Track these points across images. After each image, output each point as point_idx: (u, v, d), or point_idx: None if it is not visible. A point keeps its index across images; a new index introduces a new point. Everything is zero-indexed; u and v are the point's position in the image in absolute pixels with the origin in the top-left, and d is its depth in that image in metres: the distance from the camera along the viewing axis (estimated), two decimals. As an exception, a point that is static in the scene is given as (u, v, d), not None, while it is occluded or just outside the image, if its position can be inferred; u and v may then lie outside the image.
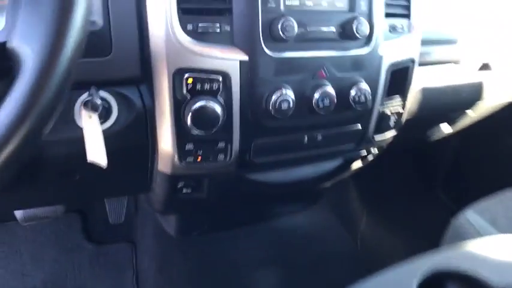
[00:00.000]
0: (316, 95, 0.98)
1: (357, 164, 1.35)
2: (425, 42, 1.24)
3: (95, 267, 1.92)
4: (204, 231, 1.67)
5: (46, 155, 1.02)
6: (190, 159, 1.00)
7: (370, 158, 1.35)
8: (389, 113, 1.18)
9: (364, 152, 1.27)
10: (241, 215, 1.59)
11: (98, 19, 0.88)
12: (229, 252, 1.65)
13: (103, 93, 0.97)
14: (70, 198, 1.36)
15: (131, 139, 1.04)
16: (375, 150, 1.32)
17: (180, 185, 1.13)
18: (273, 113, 0.95)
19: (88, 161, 0.93)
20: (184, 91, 0.91)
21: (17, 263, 1.88)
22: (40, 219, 1.86)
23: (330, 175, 1.28)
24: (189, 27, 0.89)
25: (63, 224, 2.01)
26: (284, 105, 0.94)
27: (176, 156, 0.99)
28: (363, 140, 1.19)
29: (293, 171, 1.18)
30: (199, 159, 1.01)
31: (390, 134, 1.25)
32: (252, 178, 1.14)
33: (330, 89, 0.99)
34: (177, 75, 0.90)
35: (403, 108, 1.21)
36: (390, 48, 1.09)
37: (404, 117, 1.24)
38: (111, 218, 1.91)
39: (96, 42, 0.88)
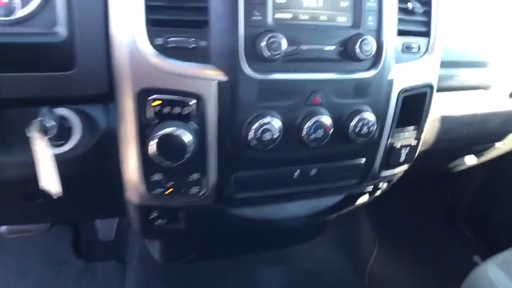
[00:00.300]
0: (308, 124, 0.82)
1: (363, 199, 1.18)
2: (448, 64, 1.07)
3: (81, 285, 1.81)
4: (192, 259, 1.53)
5: (2, 177, 0.91)
6: (159, 190, 0.87)
7: (378, 192, 1.18)
8: (399, 146, 1.01)
9: (370, 188, 1.10)
10: (232, 245, 1.45)
11: (62, 29, 0.76)
12: (216, 286, 1.50)
13: (64, 111, 0.85)
14: (38, 219, 1.25)
15: (95, 163, 0.91)
16: (383, 185, 1.14)
17: (152, 215, 1.00)
18: (253, 143, 0.80)
19: (40, 187, 0.81)
20: (151, 114, 0.78)
21: (1, 275, 1.80)
22: (25, 232, 1.78)
23: (329, 211, 1.11)
24: (158, 41, 0.75)
25: (53, 236, 1.92)
26: (266, 136, 0.79)
27: (143, 187, 0.86)
28: (368, 175, 1.02)
29: (285, 207, 1.03)
30: (169, 191, 0.87)
31: (400, 169, 1.08)
32: (236, 214, 1.00)
33: (325, 118, 0.83)
34: (142, 96, 0.77)
35: (418, 140, 1.04)
36: (403, 71, 0.92)
37: (417, 151, 1.06)
38: (101, 234, 1.81)
39: (58, 54, 0.77)
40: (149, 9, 0.74)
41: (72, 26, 0.76)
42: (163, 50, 0.76)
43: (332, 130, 0.84)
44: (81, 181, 0.95)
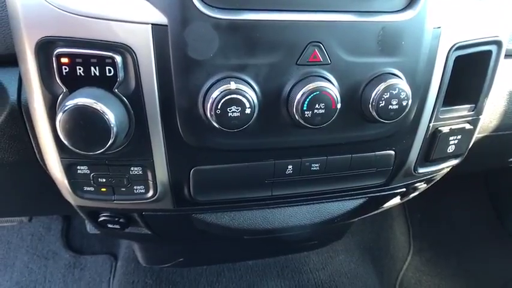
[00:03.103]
0: (299, 95, 0.52)
1: (392, 202, 0.87)
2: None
3: (68, 281, 1.63)
4: (179, 264, 1.28)
5: None
6: (88, 188, 0.61)
7: (414, 194, 0.87)
8: (447, 132, 0.69)
9: (401, 189, 0.79)
10: (226, 250, 1.17)
11: None
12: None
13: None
14: None
15: (9, 149, 0.66)
16: (421, 186, 0.83)
17: (101, 218, 0.75)
18: (214, 122, 0.51)
19: None
20: (58, 80, 0.51)
21: (-17, 267, 1.65)
22: (3, 223, 1.61)
23: (342, 219, 0.81)
24: None
25: (43, 226, 1.75)
26: (233, 111, 0.50)
27: (68, 185, 0.61)
28: (399, 173, 0.71)
29: (274, 213, 0.74)
30: (103, 189, 0.61)
31: (447, 164, 0.76)
32: (208, 220, 0.72)
33: (328, 86, 0.53)
34: (43, 51, 0.51)
35: (474, 125, 0.71)
36: (456, 16, 0.60)
37: (472, 139, 0.74)
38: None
39: None
40: None
41: None
42: None
43: (340, 105, 0.54)
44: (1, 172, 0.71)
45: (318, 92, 0.52)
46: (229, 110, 0.50)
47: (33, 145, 0.64)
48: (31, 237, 1.74)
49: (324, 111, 0.53)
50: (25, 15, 0.50)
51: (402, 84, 0.55)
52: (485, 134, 0.82)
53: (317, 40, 0.53)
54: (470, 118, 0.70)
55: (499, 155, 1.01)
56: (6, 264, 1.67)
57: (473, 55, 0.64)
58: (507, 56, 0.69)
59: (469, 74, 0.66)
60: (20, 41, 0.52)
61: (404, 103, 0.56)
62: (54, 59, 0.50)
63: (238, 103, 0.50)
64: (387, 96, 0.55)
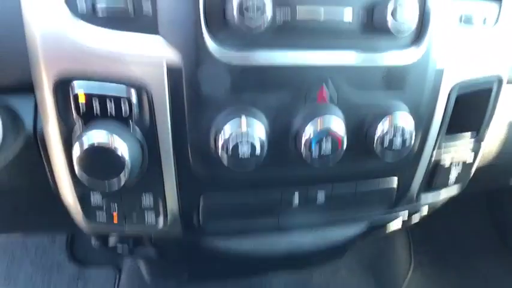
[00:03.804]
0: (308, 133, 0.55)
1: (394, 226, 0.88)
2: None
3: (71, 294, 1.64)
4: (184, 279, 1.30)
5: None
6: (102, 217, 0.63)
7: (416, 218, 0.89)
8: (449, 162, 0.71)
9: (404, 214, 0.81)
10: (230, 267, 1.20)
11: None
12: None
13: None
14: None
15: (26, 176, 0.69)
16: (423, 210, 0.85)
17: (111, 242, 0.77)
18: (226, 163, 0.53)
19: None
20: (74, 113, 0.53)
21: (-12, 278, 1.66)
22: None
23: (345, 244, 0.83)
24: (81, 5, 0.50)
25: (48, 237, 1.76)
26: (243, 151, 0.52)
27: (81, 212, 0.62)
28: (401, 200, 0.73)
29: (282, 239, 0.76)
30: (115, 217, 0.63)
31: (449, 192, 0.78)
32: (215, 246, 0.74)
33: (335, 124, 0.55)
34: (62, 87, 0.53)
35: (475, 154, 0.73)
36: (459, 55, 0.62)
37: (474, 167, 0.76)
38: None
39: None
40: None
41: None
42: (89, 18, 0.51)
43: (346, 142, 0.56)
44: (14, 196, 0.73)
45: (325, 133, 0.54)
46: (240, 152, 0.52)
47: (48, 172, 0.66)
48: (35, 249, 1.75)
49: (330, 152, 0.55)
50: (44, 51, 0.52)
51: (407, 123, 0.57)
52: (485, 162, 0.84)
53: (325, 79, 0.55)
54: (472, 147, 0.72)
55: (499, 179, 1.03)
56: (10, 276, 1.68)
57: (475, 92, 0.66)
58: (508, 82, 0.72)
59: (470, 107, 0.68)
60: (38, 74, 0.54)
61: (408, 142, 0.58)
62: (71, 95, 0.52)
63: (249, 146, 0.52)
64: (392, 132, 0.57)
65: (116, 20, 0.51)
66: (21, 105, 0.64)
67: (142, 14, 0.50)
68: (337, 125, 0.55)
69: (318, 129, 0.54)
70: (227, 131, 0.52)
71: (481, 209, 1.72)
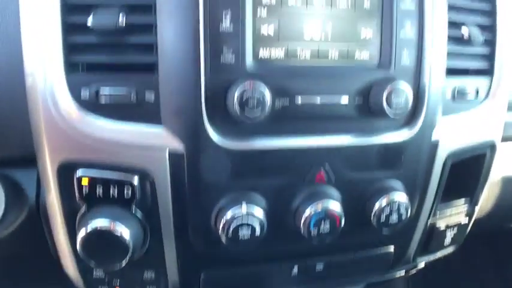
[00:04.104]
0: (307, 214, 0.56)
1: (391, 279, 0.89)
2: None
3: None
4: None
5: None
6: None
7: (413, 271, 0.89)
8: (444, 227, 0.72)
9: (400, 273, 0.81)
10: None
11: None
12: None
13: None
14: None
15: (29, 245, 0.69)
16: (420, 265, 0.85)
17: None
18: (226, 243, 0.54)
19: None
20: (77, 195, 0.54)
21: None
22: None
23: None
24: (84, 93, 0.52)
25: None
26: (243, 234, 0.53)
27: (83, 285, 0.63)
28: (398, 263, 0.74)
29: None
30: (118, 290, 0.63)
31: (445, 252, 0.79)
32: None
33: (333, 205, 0.56)
34: (65, 172, 0.54)
35: (470, 216, 0.74)
36: (452, 127, 0.64)
37: (468, 228, 0.77)
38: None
39: None
40: (70, 48, 0.51)
41: None
42: (92, 107, 0.52)
43: (344, 220, 0.57)
44: (16, 263, 0.73)
45: (324, 214, 0.55)
46: (240, 235, 0.53)
47: (49, 243, 0.66)
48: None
49: (329, 230, 0.56)
50: (48, 138, 0.53)
51: (402, 198, 0.59)
52: (479, 216, 0.85)
53: (322, 162, 0.56)
54: (466, 211, 0.74)
55: (496, 225, 1.04)
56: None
57: (469, 159, 0.68)
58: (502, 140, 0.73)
59: (464, 173, 0.70)
60: (41, 157, 0.55)
61: (404, 216, 0.59)
62: (75, 177, 0.53)
63: (249, 228, 0.53)
64: (388, 209, 0.58)
65: (119, 108, 0.52)
66: (24, 178, 0.64)
67: (144, 102, 0.52)
68: (335, 206, 0.56)
69: (317, 211, 0.55)
70: (228, 215, 0.53)
71: (482, 248, 1.71)
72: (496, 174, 0.82)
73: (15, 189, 0.65)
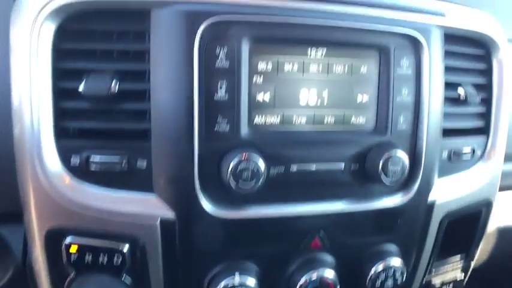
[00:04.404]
0: (302, 282, 0.55)
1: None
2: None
3: None
4: None
5: None
6: None
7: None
8: (439, 284, 0.71)
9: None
10: None
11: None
12: None
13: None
14: None
15: None
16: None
17: None
18: None
19: None
20: (66, 263, 0.52)
21: None
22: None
23: None
24: (75, 159, 0.50)
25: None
26: (237, 306, 0.52)
27: None
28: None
29: None
30: None
31: (440, 306, 0.78)
32: None
33: (328, 274, 0.55)
34: (53, 238, 0.52)
35: (466, 272, 0.74)
36: (449, 188, 0.63)
37: (464, 283, 0.76)
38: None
39: None
40: (61, 113, 0.50)
41: None
42: (82, 173, 0.50)
43: (339, 287, 0.56)
44: None
45: (318, 282, 0.54)
46: None
47: None
48: None
49: None
50: (36, 205, 0.51)
51: (398, 263, 0.58)
52: (481, 260, 0.85)
53: (318, 229, 0.55)
54: (462, 267, 0.73)
55: (496, 269, 1.03)
56: None
57: (465, 217, 0.67)
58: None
59: (460, 229, 0.69)
60: (29, 222, 0.53)
61: (399, 281, 0.58)
62: (63, 246, 0.52)
63: None
64: (384, 274, 0.57)
65: (110, 175, 0.51)
66: (11, 234, 0.63)
67: (136, 169, 0.51)
68: (330, 273, 0.55)
69: (312, 279, 0.54)
70: (221, 286, 0.52)
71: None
72: (491, 225, 0.81)
73: (1, 245, 0.63)
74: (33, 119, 0.50)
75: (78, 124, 0.50)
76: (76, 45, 0.50)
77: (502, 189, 0.75)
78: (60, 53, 0.50)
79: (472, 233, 0.70)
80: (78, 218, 0.51)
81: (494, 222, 0.82)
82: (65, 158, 0.50)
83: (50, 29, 0.49)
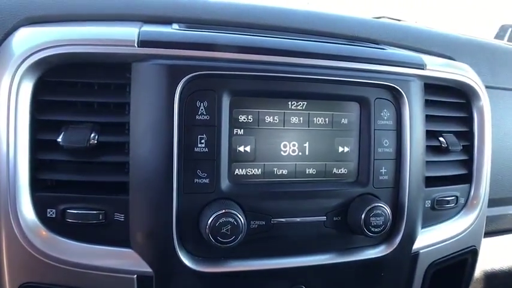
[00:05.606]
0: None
1: None
2: (496, 202, 0.77)
3: None
4: None
5: None
6: None
7: None
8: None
9: None
10: None
11: None
12: None
13: None
14: None
15: None
16: None
17: None
18: None
19: None
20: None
21: None
22: None
23: None
24: (51, 212, 0.49)
25: None
26: None
27: None
28: None
29: None
30: None
31: None
32: None
33: None
34: None
35: (452, 320, 0.72)
36: (433, 238, 0.63)
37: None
38: None
39: None
40: (38, 164, 0.49)
41: None
42: (58, 227, 0.49)
43: None
44: None
45: None
46: None
47: None
48: None
49: None
50: (9, 260, 0.50)
51: None
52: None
53: (300, 282, 0.54)
54: (450, 315, 0.71)
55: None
56: None
57: (450, 266, 0.66)
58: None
59: (446, 278, 0.68)
60: (0, 280, 0.51)
61: None
62: None
63: None
64: None
65: (86, 229, 0.49)
66: None
67: (113, 223, 0.50)
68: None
69: None
70: None
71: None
72: (478, 271, 0.81)
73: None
74: (10, 169, 0.49)
75: (56, 176, 0.50)
76: (56, 97, 0.50)
77: (487, 234, 0.75)
78: (39, 104, 0.49)
79: (458, 280, 0.69)
80: (53, 273, 0.49)
81: (480, 267, 0.81)
82: (41, 211, 0.49)
83: (29, 80, 0.49)
